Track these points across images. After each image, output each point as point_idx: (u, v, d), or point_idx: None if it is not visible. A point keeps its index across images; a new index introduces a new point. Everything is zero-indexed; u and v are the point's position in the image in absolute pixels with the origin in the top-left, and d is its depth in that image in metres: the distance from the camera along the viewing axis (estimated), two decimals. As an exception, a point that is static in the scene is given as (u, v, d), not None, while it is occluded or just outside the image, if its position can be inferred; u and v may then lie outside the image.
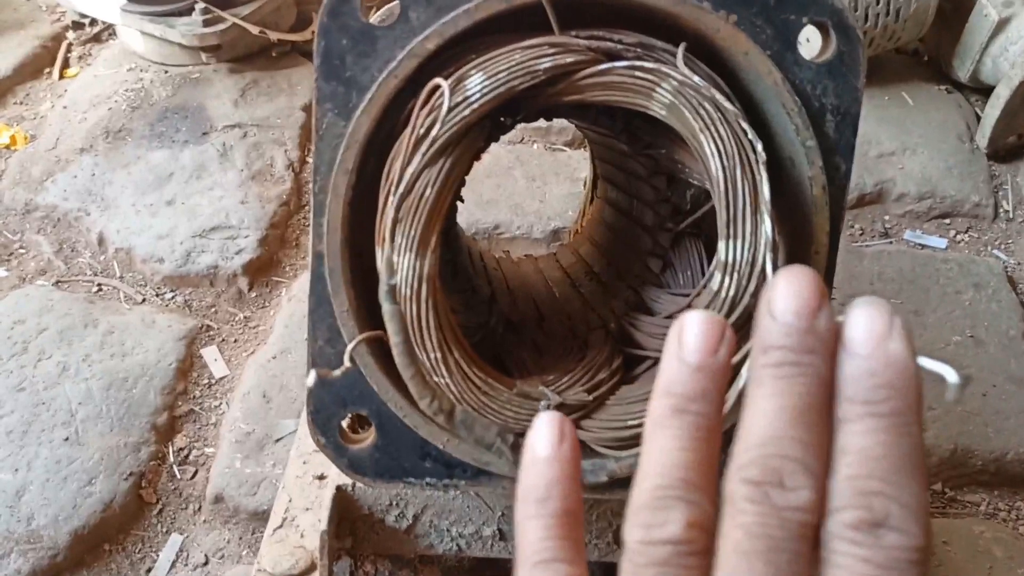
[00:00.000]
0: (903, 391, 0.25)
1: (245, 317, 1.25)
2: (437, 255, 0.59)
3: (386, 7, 0.64)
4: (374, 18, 0.62)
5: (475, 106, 0.56)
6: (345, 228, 0.61)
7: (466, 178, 0.63)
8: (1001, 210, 1.40)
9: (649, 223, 0.75)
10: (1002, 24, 1.43)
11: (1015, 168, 1.45)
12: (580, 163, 1.43)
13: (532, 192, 1.39)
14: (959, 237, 1.37)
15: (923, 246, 1.35)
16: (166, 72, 1.58)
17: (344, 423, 0.67)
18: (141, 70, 1.59)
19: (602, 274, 0.81)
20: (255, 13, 1.56)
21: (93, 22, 1.74)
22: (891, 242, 1.36)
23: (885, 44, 1.49)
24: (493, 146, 1.36)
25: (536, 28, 0.59)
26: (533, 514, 0.30)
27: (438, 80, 0.56)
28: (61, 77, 1.65)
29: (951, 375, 0.37)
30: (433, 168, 0.57)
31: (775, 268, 0.57)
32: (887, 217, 1.40)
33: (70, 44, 1.72)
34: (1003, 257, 1.33)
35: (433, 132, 0.55)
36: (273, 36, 1.57)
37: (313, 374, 0.58)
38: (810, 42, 0.61)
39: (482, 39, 0.60)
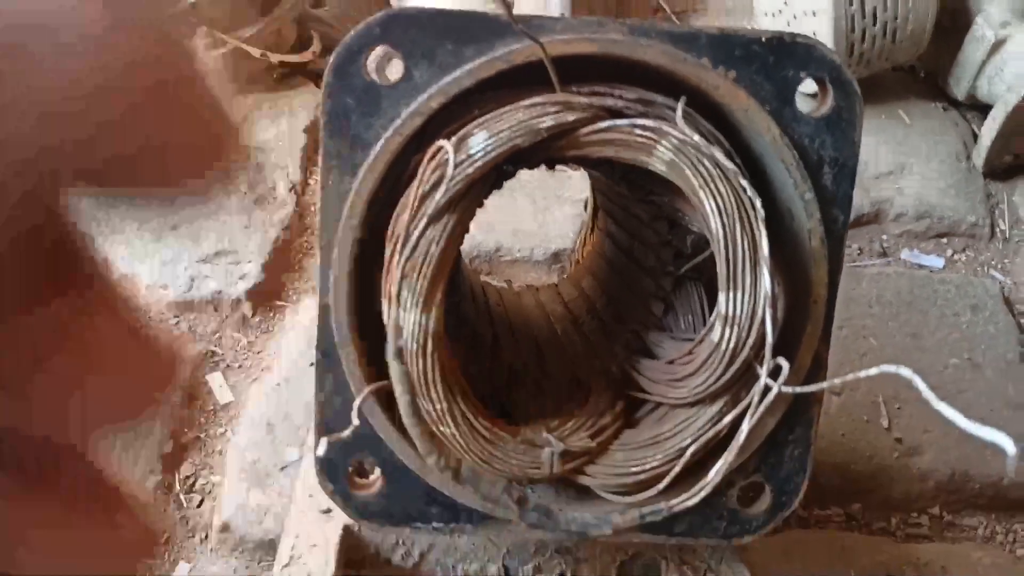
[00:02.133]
0: None
1: (249, 343, 1.26)
2: (442, 309, 0.60)
3: (380, 56, 0.65)
4: (371, 65, 0.63)
5: (479, 164, 0.58)
6: (352, 281, 0.62)
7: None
8: (997, 229, 1.41)
9: (651, 265, 0.76)
10: (998, 44, 1.44)
11: (1011, 187, 1.47)
12: (581, 185, 1.44)
13: (534, 215, 1.40)
14: (956, 256, 1.39)
15: (921, 266, 1.36)
16: (168, 94, 1.59)
17: (350, 468, 0.69)
18: (143, 92, 1.60)
19: (603, 313, 0.82)
20: (256, 36, 1.56)
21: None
22: (889, 262, 1.37)
23: (882, 63, 1.50)
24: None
25: (538, 83, 0.60)
26: None
27: (442, 141, 0.57)
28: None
29: (1009, 446, 0.38)
30: (438, 224, 0.58)
31: (774, 320, 0.58)
32: (884, 237, 1.41)
33: (71, 66, 1.73)
34: (1000, 277, 1.35)
35: (439, 191, 0.56)
36: (274, 59, 1.58)
37: (324, 443, 0.59)
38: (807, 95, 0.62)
39: (485, 95, 0.61)
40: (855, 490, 1.10)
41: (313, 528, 0.82)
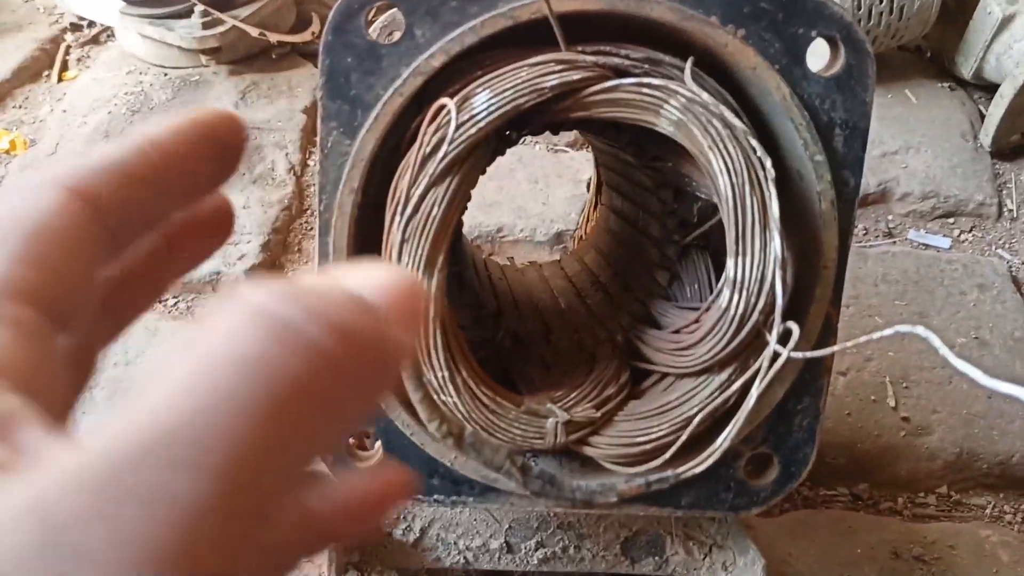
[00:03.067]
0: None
1: (248, 323, 1.25)
2: (444, 273, 0.58)
3: (386, 16, 0.64)
4: (373, 29, 0.61)
5: (481, 124, 0.56)
6: (351, 247, 0.61)
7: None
8: (1005, 209, 1.40)
9: (656, 235, 0.74)
10: (1006, 21, 1.42)
11: (1019, 166, 1.45)
12: (583, 164, 1.42)
13: (535, 194, 1.38)
14: (963, 236, 1.37)
15: (927, 246, 1.35)
16: (165, 75, 1.57)
17: (350, 439, 0.67)
18: (140, 73, 1.58)
19: (608, 285, 0.81)
20: (255, 15, 1.55)
21: (91, 24, 1.74)
22: (895, 242, 1.36)
23: (889, 42, 1.48)
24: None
25: (542, 42, 0.58)
26: None
27: (444, 100, 0.55)
28: (60, 80, 1.64)
29: None
30: (440, 187, 0.56)
31: (784, 285, 0.56)
32: (891, 217, 1.39)
33: (68, 47, 1.71)
34: (1007, 257, 1.33)
35: (440, 152, 0.55)
36: (273, 38, 1.56)
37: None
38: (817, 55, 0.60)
39: (488, 54, 0.59)
40: (862, 469, 1.09)
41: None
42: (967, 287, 1.25)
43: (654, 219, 0.75)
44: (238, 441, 0.16)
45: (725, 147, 0.56)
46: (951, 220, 1.39)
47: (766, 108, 0.61)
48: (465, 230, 1.31)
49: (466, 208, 0.70)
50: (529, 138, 1.48)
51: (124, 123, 1.47)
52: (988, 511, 1.07)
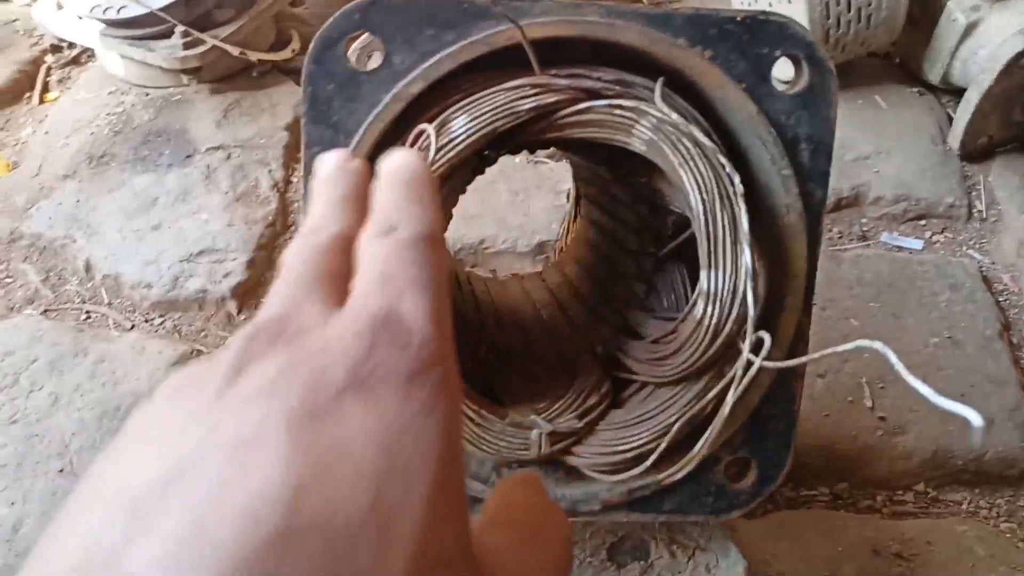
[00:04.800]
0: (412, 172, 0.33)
1: (234, 340, 1.26)
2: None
3: (363, 38, 0.66)
4: (353, 50, 0.63)
5: (460, 147, 0.58)
6: (337, 267, 0.63)
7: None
8: (975, 210, 1.43)
9: (632, 248, 0.76)
10: (970, 28, 1.46)
11: (987, 168, 1.48)
12: (563, 175, 1.44)
13: (516, 206, 1.40)
14: (935, 238, 1.40)
15: (900, 248, 1.38)
16: (147, 95, 1.59)
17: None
18: (122, 93, 1.60)
19: (588, 297, 0.83)
20: (235, 34, 1.56)
21: (72, 45, 1.75)
22: (869, 245, 1.38)
23: (858, 49, 1.51)
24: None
25: (518, 66, 0.61)
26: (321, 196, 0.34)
27: (424, 125, 0.57)
28: (41, 102, 1.65)
29: (975, 418, 0.39)
30: (421, 209, 0.58)
31: (755, 295, 0.59)
32: (864, 220, 1.42)
33: (49, 68, 1.72)
34: (977, 257, 1.36)
35: (421, 176, 0.57)
36: (253, 56, 1.58)
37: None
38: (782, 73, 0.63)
39: (466, 79, 0.61)
40: (840, 469, 1.11)
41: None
42: (939, 288, 1.28)
43: (630, 232, 0.77)
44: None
45: (695, 165, 0.58)
46: (923, 222, 1.42)
47: (734, 125, 0.63)
48: (448, 242, 1.33)
49: (446, 227, 0.72)
50: (508, 151, 1.50)
51: (107, 144, 1.49)
52: (964, 507, 1.10)
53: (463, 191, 0.65)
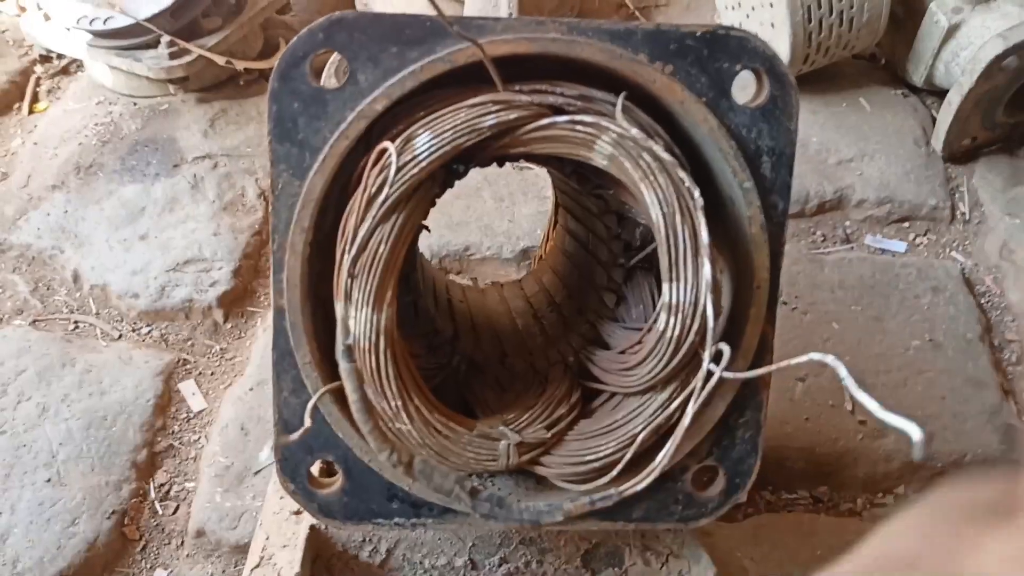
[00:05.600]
0: None
1: (221, 349, 1.27)
2: (394, 307, 0.61)
3: (335, 56, 0.66)
4: (328, 67, 0.64)
5: (423, 164, 0.59)
6: (304, 283, 0.63)
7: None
8: (958, 212, 1.44)
9: (603, 258, 0.77)
10: (952, 30, 1.46)
11: (970, 170, 1.49)
12: (547, 182, 1.45)
13: (501, 212, 1.41)
14: (918, 240, 1.41)
15: (883, 251, 1.38)
16: (135, 105, 1.60)
17: (314, 469, 0.70)
18: (110, 103, 1.61)
19: (563, 306, 0.83)
20: (221, 43, 1.57)
21: (61, 56, 1.75)
22: (852, 248, 1.39)
23: (841, 52, 1.52)
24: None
25: (482, 81, 0.61)
26: None
27: (385, 143, 0.58)
28: (31, 112, 1.66)
29: (916, 432, 0.40)
30: (385, 225, 0.59)
31: (716, 307, 0.59)
32: (848, 223, 1.43)
33: (39, 79, 1.73)
34: (960, 259, 1.37)
35: (383, 193, 0.58)
36: (239, 65, 1.59)
37: (267, 450, 0.61)
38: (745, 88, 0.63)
39: (430, 95, 0.62)
40: (821, 473, 1.12)
41: (284, 529, 0.83)
42: (921, 290, 1.29)
43: (601, 243, 0.78)
44: None
45: (655, 179, 0.59)
46: (906, 224, 1.43)
47: (697, 138, 0.64)
48: (433, 249, 1.34)
49: (416, 240, 0.73)
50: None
51: (95, 154, 1.49)
52: (945, 509, 1.10)
53: (432, 205, 0.66)
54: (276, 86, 0.61)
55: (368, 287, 0.59)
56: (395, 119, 0.62)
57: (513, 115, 0.60)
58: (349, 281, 0.59)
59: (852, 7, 1.43)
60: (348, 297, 0.59)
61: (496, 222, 1.39)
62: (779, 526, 1.06)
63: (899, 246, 1.39)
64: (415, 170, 0.59)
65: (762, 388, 0.68)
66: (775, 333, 0.68)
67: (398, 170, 0.58)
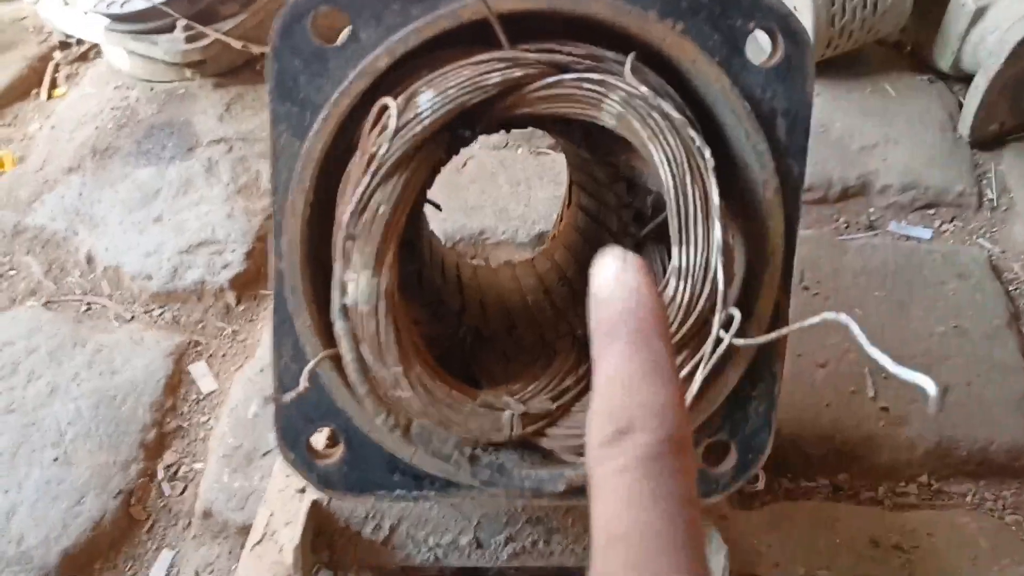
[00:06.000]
0: (636, 311, 0.27)
1: (233, 331, 1.26)
2: (396, 271, 0.59)
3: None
4: (317, 26, 0.62)
5: (426, 123, 0.57)
6: (305, 246, 0.62)
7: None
8: (985, 199, 1.40)
9: (614, 229, 0.75)
10: (979, 13, 1.43)
11: (998, 156, 1.46)
12: (563, 167, 1.43)
13: (517, 196, 1.39)
14: (944, 227, 1.38)
15: (908, 237, 1.36)
16: (151, 89, 1.59)
17: (315, 438, 0.68)
18: (127, 88, 1.60)
19: (574, 280, 0.81)
20: (238, 27, 1.57)
21: (80, 41, 1.76)
22: (876, 234, 1.36)
23: (865, 37, 1.49)
24: (477, 152, 1.37)
25: (490, 42, 0.60)
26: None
27: (385, 100, 0.56)
28: (49, 97, 1.66)
29: (930, 386, 0.38)
30: (387, 185, 0.57)
31: (726, 272, 0.57)
32: (872, 209, 1.40)
33: (57, 64, 1.73)
34: (988, 246, 1.34)
35: (382, 151, 0.56)
36: (256, 50, 1.58)
37: (255, 404, 0.59)
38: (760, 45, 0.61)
39: (434, 55, 0.60)
40: (842, 460, 1.09)
41: (288, 506, 0.81)
42: (946, 276, 1.26)
43: (612, 213, 0.76)
44: None
45: (665, 139, 0.57)
46: (932, 211, 1.40)
47: (709, 98, 0.61)
48: (448, 232, 1.32)
49: (421, 207, 0.71)
50: (511, 141, 1.49)
51: (111, 137, 1.49)
52: (969, 499, 1.07)
53: (437, 170, 0.64)
54: (277, 43, 0.60)
55: (369, 248, 0.58)
56: (397, 78, 0.60)
57: (519, 72, 0.58)
58: (348, 243, 0.58)
59: (876, -11, 1.41)
60: (347, 259, 0.58)
61: (512, 206, 1.37)
62: (797, 514, 1.03)
63: (924, 233, 1.36)
64: (418, 128, 0.57)
65: (776, 359, 0.66)
66: (790, 304, 0.65)
67: (399, 129, 0.56)
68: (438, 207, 0.77)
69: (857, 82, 1.55)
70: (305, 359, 0.63)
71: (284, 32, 0.59)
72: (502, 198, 1.39)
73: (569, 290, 0.80)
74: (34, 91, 1.68)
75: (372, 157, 0.57)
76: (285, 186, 0.61)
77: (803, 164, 0.63)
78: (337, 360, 0.62)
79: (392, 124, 0.56)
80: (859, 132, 1.46)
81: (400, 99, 0.57)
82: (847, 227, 1.38)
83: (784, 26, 0.60)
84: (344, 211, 0.58)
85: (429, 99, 0.57)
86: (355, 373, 0.57)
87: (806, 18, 1.41)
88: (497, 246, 1.34)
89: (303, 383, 0.59)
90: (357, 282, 0.58)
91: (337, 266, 0.58)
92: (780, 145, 0.62)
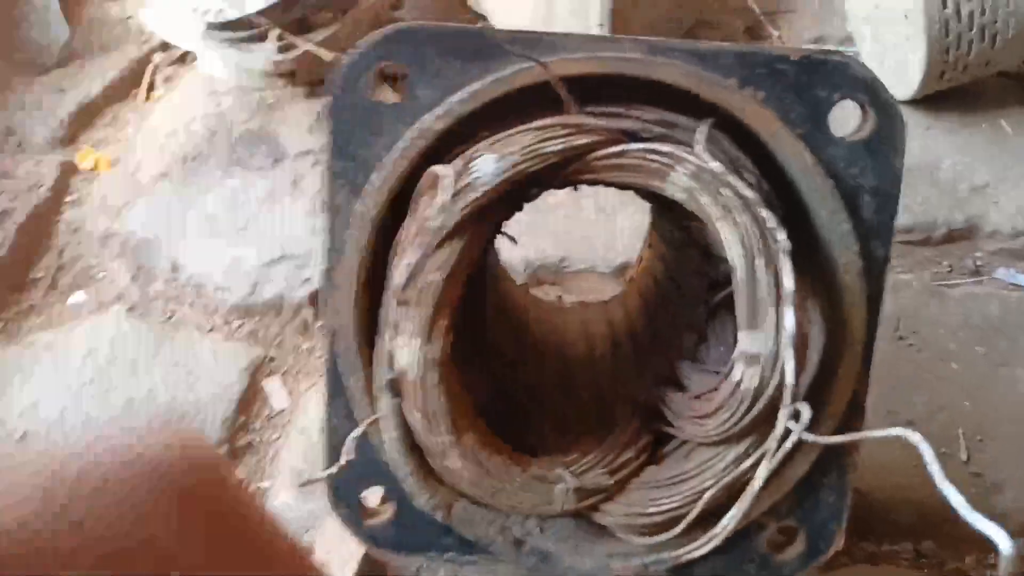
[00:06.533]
0: None
1: (309, 348, 1.26)
2: (449, 339, 0.57)
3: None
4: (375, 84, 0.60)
5: (485, 189, 0.55)
6: (360, 307, 0.60)
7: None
8: (1106, 249, 1.31)
9: (687, 293, 0.72)
10: (1109, 48, 1.33)
11: (1123, 203, 1.36)
12: (651, 193, 1.39)
13: (601, 224, 1.36)
14: (1058, 278, 1.29)
15: (1017, 286, 1.27)
16: (244, 98, 1.61)
17: (368, 494, 0.67)
18: (220, 95, 1.62)
19: (642, 337, 0.78)
20: (330, 38, 1.56)
21: (177, 46, 1.78)
22: (981, 281, 1.28)
23: (982, 70, 1.40)
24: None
25: (555, 102, 0.57)
26: None
27: (437, 168, 0.54)
28: (147, 100, 1.69)
29: (1005, 543, 0.34)
30: (440, 253, 0.55)
31: (799, 363, 0.53)
32: (978, 254, 1.32)
33: (156, 67, 1.76)
34: (1106, 301, 1.25)
35: (436, 221, 0.54)
36: (349, 61, 1.58)
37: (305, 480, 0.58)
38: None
39: (495, 113, 0.58)
40: (928, 526, 1.03)
41: (345, 546, 0.80)
42: (1056, 333, 1.18)
43: (687, 275, 0.72)
44: None
45: (736, 218, 0.53)
46: (1044, 259, 1.31)
47: (790, 172, 0.57)
48: (529, 258, 1.30)
49: (513, 238, 0.68)
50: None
51: (202, 145, 1.51)
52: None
53: (498, 230, 0.62)
54: (335, 99, 0.58)
55: (419, 318, 0.55)
56: (457, 138, 0.58)
57: (582, 140, 0.55)
58: (400, 309, 0.56)
59: (996, 21, 1.32)
60: (396, 328, 0.56)
61: (595, 234, 1.34)
62: (875, 582, 0.98)
63: (1034, 282, 1.27)
64: (473, 195, 0.54)
65: (850, 451, 0.62)
66: (868, 390, 0.61)
67: (455, 194, 0.54)
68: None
69: (971, 117, 1.46)
70: (355, 422, 0.62)
71: (342, 89, 0.58)
72: (586, 225, 1.36)
73: (634, 348, 0.77)
74: (132, 93, 1.71)
75: (424, 225, 0.55)
76: (340, 245, 0.59)
77: (888, 246, 0.58)
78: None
79: (447, 192, 0.53)
80: (969, 171, 1.38)
81: (458, 161, 0.55)
82: (950, 272, 1.30)
83: (874, 97, 0.56)
84: (396, 277, 0.56)
85: (488, 165, 0.55)
86: (397, 453, 0.56)
87: (919, 50, 1.34)
88: (577, 275, 1.30)
89: (345, 456, 0.57)
90: (408, 350, 0.56)
91: (386, 335, 0.56)
92: (865, 225, 0.57)
